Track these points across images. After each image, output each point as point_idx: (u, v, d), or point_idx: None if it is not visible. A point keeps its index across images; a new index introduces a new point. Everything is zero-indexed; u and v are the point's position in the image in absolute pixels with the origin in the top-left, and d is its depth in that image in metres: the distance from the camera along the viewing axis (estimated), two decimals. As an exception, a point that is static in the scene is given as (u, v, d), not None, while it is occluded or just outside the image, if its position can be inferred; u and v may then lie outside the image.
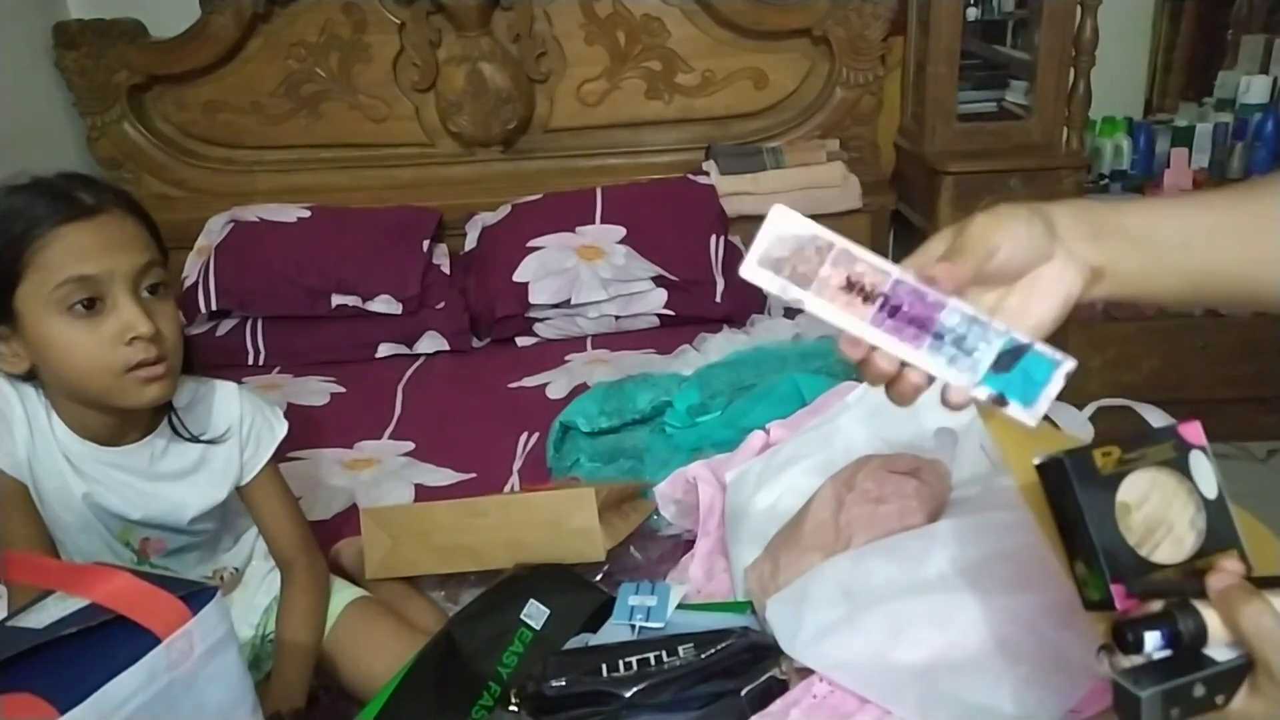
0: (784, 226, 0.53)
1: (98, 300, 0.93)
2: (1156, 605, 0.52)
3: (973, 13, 2.35)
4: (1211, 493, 0.55)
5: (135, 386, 0.96)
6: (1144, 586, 0.53)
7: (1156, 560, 0.54)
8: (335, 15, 2.35)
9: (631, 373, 1.64)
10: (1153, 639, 0.50)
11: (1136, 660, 0.50)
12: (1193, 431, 0.57)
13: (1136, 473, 0.55)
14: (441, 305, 2.07)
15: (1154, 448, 0.55)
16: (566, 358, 1.95)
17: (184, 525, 1.09)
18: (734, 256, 2.15)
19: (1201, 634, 0.50)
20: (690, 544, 1.11)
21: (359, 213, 2.25)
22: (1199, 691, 0.49)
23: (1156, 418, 0.86)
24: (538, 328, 2.08)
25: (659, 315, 2.07)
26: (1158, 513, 0.55)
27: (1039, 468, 0.55)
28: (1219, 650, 0.50)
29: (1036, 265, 0.57)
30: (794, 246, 0.53)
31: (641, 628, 0.92)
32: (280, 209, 2.23)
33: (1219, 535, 0.55)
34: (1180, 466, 0.56)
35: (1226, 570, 0.52)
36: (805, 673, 0.81)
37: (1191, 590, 0.51)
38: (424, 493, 1.47)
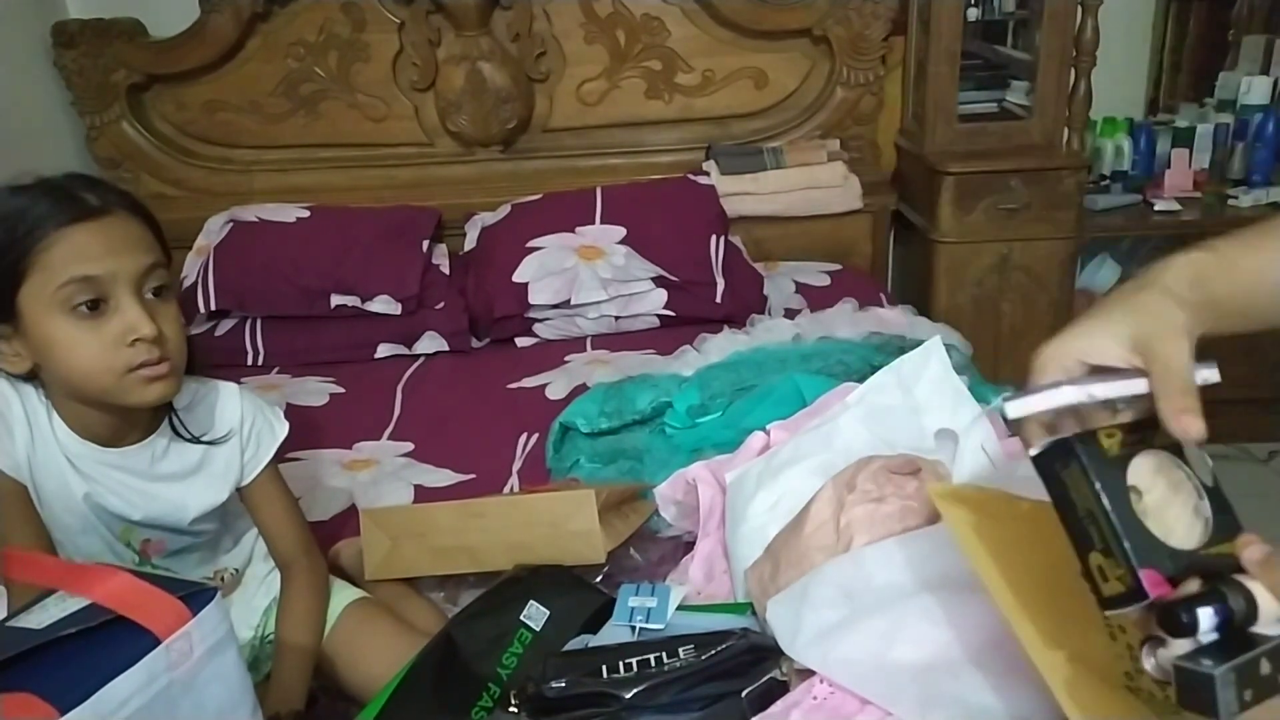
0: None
1: (101, 301, 0.93)
2: (1194, 585, 0.49)
3: (973, 13, 2.35)
4: (1209, 481, 0.54)
5: (138, 386, 0.96)
6: (1176, 568, 0.50)
7: (1173, 546, 0.51)
8: (334, 14, 2.35)
9: (631, 373, 1.64)
10: (1207, 616, 0.47)
11: (1186, 646, 0.47)
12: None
13: (1142, 455, 0.53)
14: (441, 305, 2.07)
15: (1153, 432, 0.54)
16: (566, 358, 1.94)
17: (185, 526, 1.09)
18: (734, 257, 2.15)
19: (1253, 610, 0.47)
20: (690, 545, 1.11)
21: (358, 212, 2.25)
22: (1265, 669, 0.46)
23: None
24: (537, 328, 2.08)
25: (659, 316, 2.07)
26: (1166, 497, 0.53)
27: (1038, 457, 0.53)
28: (1270, 627, 0.47)
29: None
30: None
31: (642, 629, 0.92)
32: (279, 209, 2.23)
33: (1225, 524, 0.53)
34: (1178, 453, 0.54)
35: (1257, 541, 0.49)
36: (806, 674, 0.81)
37: (1226, 568, 0.49)
38: (423, 493, 1.46)
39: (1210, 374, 0.55)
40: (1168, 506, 0.53)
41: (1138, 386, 0.54)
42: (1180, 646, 0.48)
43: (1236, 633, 0.47)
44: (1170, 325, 0.56)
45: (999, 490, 0.76)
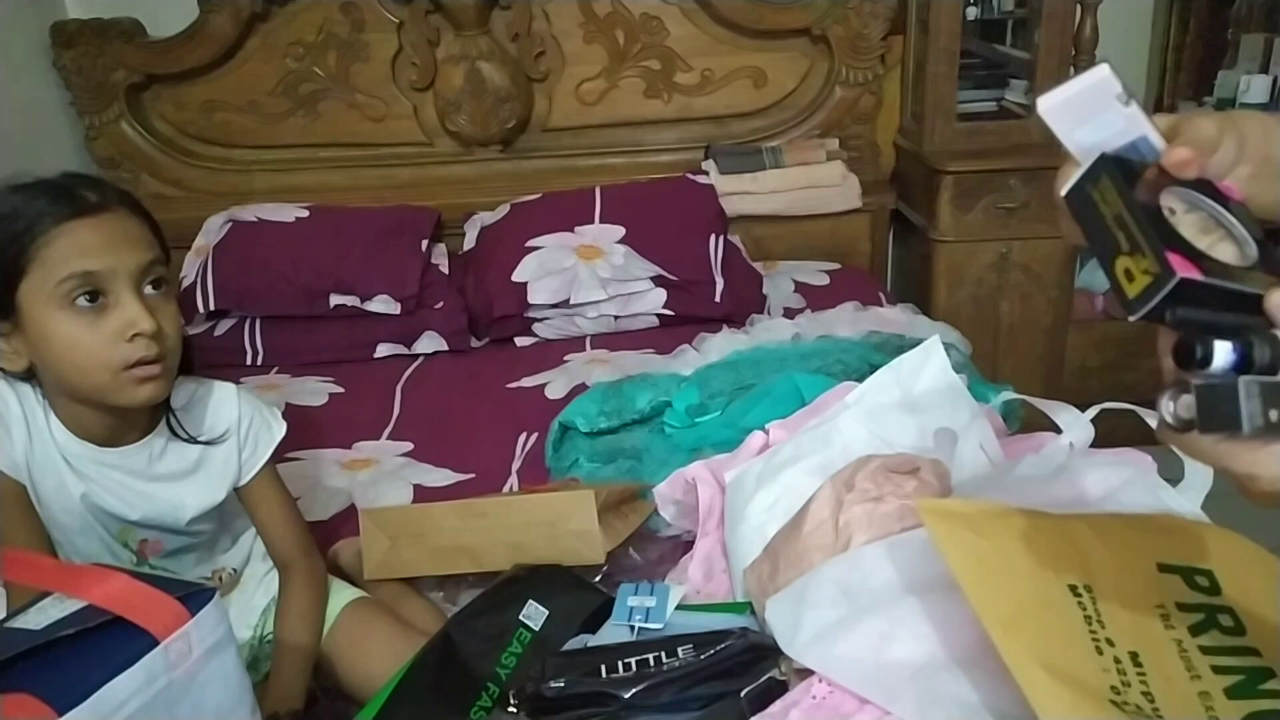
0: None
1: (101, 296, 0.93)
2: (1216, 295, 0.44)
3: (972, 12, 2.35)
4: (1259, 235, 0.50)
5: (130, 386, 0.96)
6: (1207, 269, 0.45)
7: (1214, 255, 0.47)
8: (333, 14, 2.35)
9: (631, 373, 1.63)
10: (1224, 351, 0.42)
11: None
12: (1233, 190, 0.52)
13: (1180, 188, 0.49)
14: (440, 305, 2.07)
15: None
16: (565, 358, 1.94)
17: (182, 526, 1.09)
18: (733, 256, 2.15)
19: (1278, 365, 0.42)
20: (689, 545, 1.11)
21: (357, 212, 2.25)
22: None
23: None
24: (536, 328, 2.08)
25: (658, 315, 2.07)
26: (1203, 223, 0.49)
27: (1071, 191, 0.50)
28: None
29: None
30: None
31: (641, 628, 0.92)
32: (278, 209, 2.23)
33: (1272, 263, 0.48)
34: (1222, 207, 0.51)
35: None
36: (805, 673, 0.80)
37: (1261, 318, 0.44)
38: (422, 493, 1.46)
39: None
40: (1205, 232, 0.49)
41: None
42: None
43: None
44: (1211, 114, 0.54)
45: (991, 503, 0.76)
